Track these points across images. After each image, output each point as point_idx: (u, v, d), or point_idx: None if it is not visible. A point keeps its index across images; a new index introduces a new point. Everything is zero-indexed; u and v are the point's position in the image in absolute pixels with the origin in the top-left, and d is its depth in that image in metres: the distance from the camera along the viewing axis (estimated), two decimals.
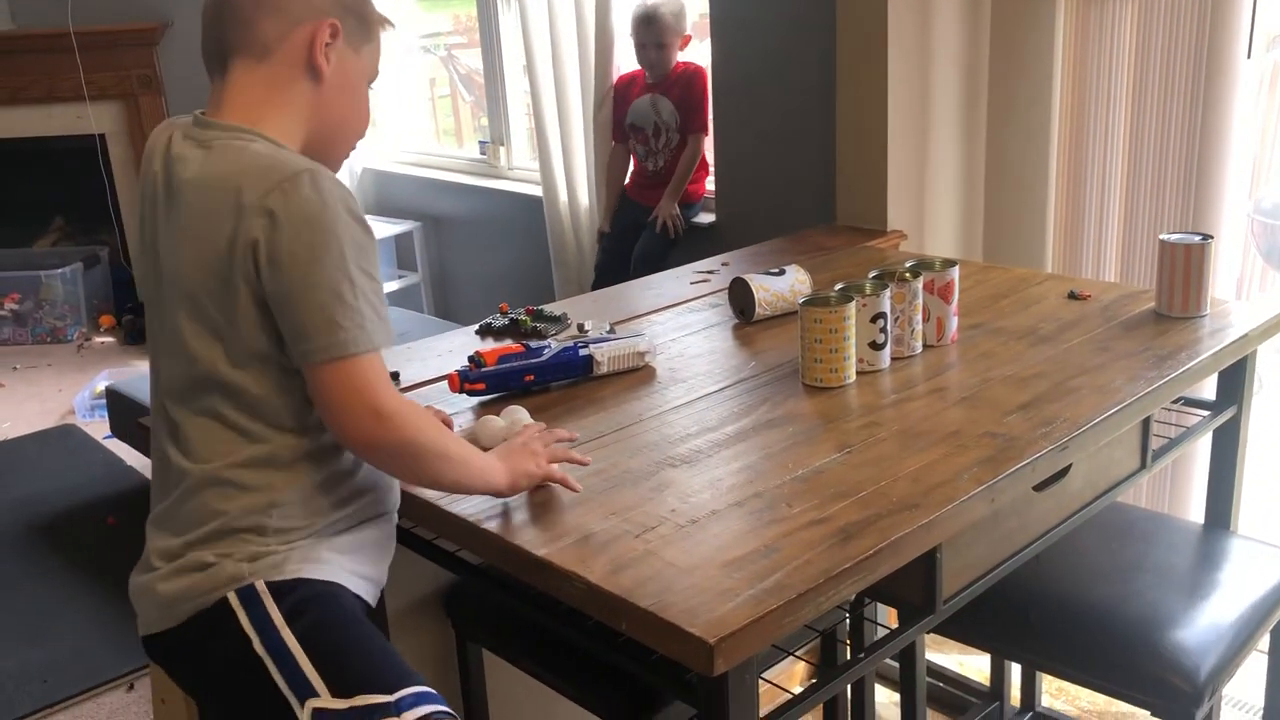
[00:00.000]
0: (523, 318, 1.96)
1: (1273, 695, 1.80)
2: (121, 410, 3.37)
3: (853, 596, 1.22)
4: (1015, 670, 2.23)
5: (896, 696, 2.33)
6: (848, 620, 1.80)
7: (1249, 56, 2.16)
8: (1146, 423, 1.63)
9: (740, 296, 1.93)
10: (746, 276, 1.91)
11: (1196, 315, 1.79)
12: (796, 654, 1.43)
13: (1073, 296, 1.94)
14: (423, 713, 1.12)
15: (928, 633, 1.45)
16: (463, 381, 1.59)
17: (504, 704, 1.79)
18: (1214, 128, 2.21)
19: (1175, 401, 1.81)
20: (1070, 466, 1.49)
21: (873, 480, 1.32)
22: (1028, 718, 2.22)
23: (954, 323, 1.76)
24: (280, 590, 1.19)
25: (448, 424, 1.51)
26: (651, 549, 1.20)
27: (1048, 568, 1.69)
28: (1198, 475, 2.32)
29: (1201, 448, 2.15)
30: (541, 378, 1.64)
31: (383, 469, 1.27)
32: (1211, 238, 1.79)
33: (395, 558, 1.54)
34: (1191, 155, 2.25)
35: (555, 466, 1.32)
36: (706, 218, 3.39)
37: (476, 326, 1.98)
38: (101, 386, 4.17)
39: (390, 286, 4.58)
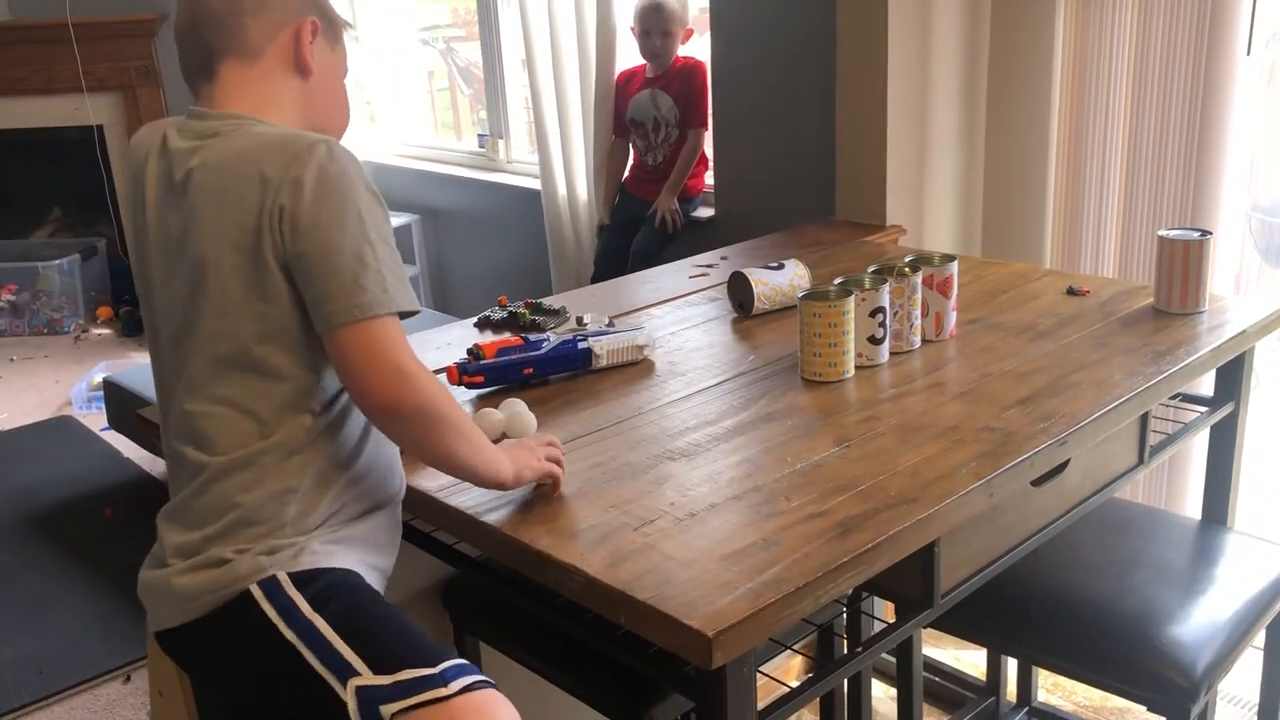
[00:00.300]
0: (521, 311, 1.96)
1: (1268, 690, 1.81)
2: (119, 402, 3.37)
3: (850, 590, 1.22)
4: (1012, 665, 2.23)
5: (893, 691, 2.34)
6: (845, 614, 1.81)
7: (1248, 53, 2.16)
8: (1144, 418, 1.63)
9: (739, 290, 1.93)
10: (745, 270, 1.91)
11: (1195, 311, 1.80)
12: (794, 648, 1.43)
13: (1071, 292, 1.95)
14: (468, 681, 1.12)
15: (925, 627, 1.45)
16: (461, 374, 1.60)
17: None
18: (1213, 124, 2.21)
19: (1173, 397, 1.81)
20: (1068, 461, 1.49)
21: (871, 474, 1.33)
22: (1024, 713, 2.22)
23: (953, 318, 1.76)
24: (301, 580, 1.20)
25: None
26: (650, 542, 1.20)
27: (1045, 563, 1.69)
28: (1195, 471, 2.33)
29: (1198, 444, 2.15)
30: (540, 371, 1.64)
31: (399, 438, 1.26)
32: (1210, 234, 1.79)
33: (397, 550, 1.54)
34: (1190, 151, 2.25)
35: (553, 464, 1.33)
36: (706, 212, 3.39)
37: (475, 319, 1.98)
38: (99, 378, 4.17)
39: None
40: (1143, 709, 1.58)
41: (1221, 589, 1.65)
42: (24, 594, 2.91)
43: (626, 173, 3.60)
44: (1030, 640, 1.65)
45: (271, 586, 1.19)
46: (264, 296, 1.20)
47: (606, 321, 1.88)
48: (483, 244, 4.36)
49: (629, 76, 3.52)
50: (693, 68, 3.38)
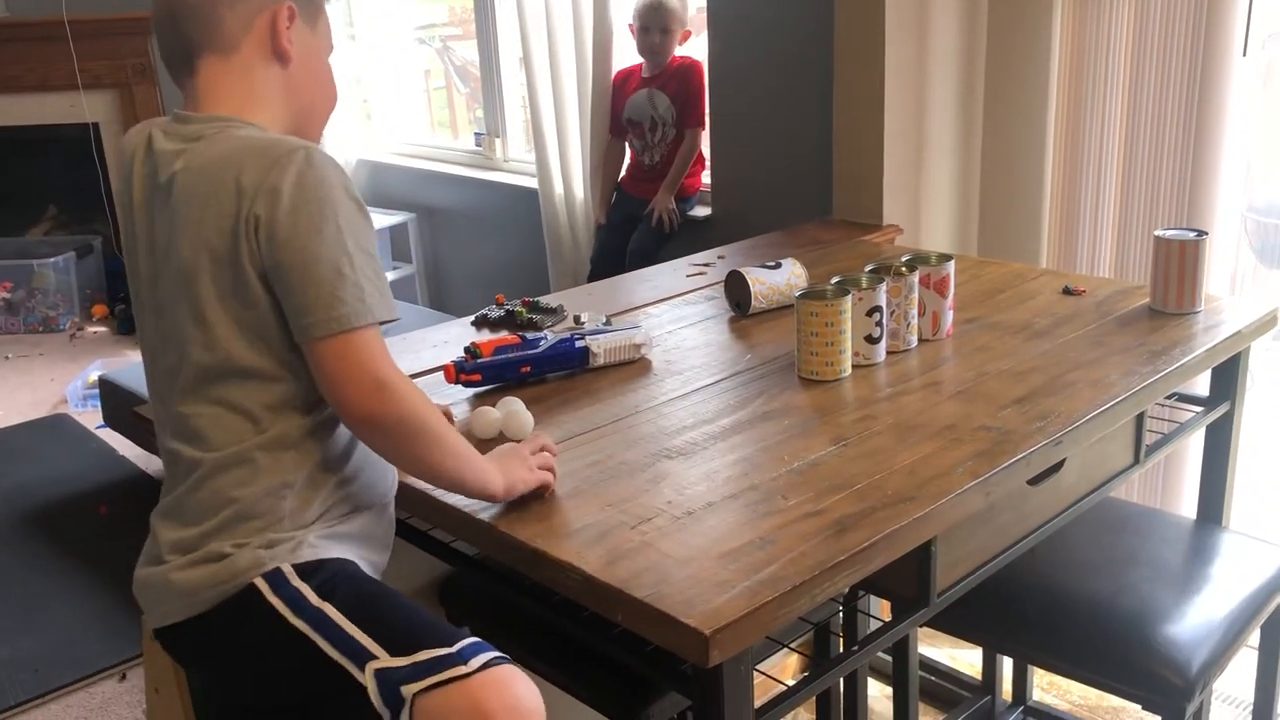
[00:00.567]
0: (519, 309, 1.96)
1: (1262, 690, 1.81)
2: (114, 400, 3.36)
3: (847, 589, 1.22)
4: (1007, 664, 2.24)
5: (889, 690, 2.34)
6: (841, 613, 1.81)
7: (1244, 54, 2.17)
8: (1140, 418, 1.63)
9: (736, 289, 1.93)
10: (743, 269, 1.91)
11: (1191, 311, 1.80)
12: (791, 646, 1.43)
13: (1068, 292, 1.95)
14: (487, 658, 1.12)
15: (921, 626, 1.45)
16: (459, 373, 1.60)
17: None
18: (1209, 124, 2.21)
19: (1169, 397, 1.82)
20: (1064, 461, 1.50)
21: (868, 473, 1.33)
22: (1019, 711, 2.23)
23: (949, 317, 1.76)
24: (305, 571, 1.20)
25: (447, 415, 1.51)
26: (647, 540, 1.20)
27: (1041, 562, 1.69)
28: (1190, 470, 2.33)
29: (1194, 443, 2.16)
30: (537, 369, 1.64)
31: (381, 450, 1.26)
32: (1206, 234, 1.80)
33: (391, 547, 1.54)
34: (1186, 152, 2.25)
35: (546, 473, 1.32)
36: (702, 211, 3.39)
37: (472, 318, 1.98)
38: (94, 376, 4.16)
39: (385, 277, 4.57)
40: (1138, 708, 1.58)
41: (1216, 588, 1.66)
42: (19, 592, 2.91)
43: (623, 172, 3.60)
44: (1026, 639, 1.65)
45: (276, 578, 1.19)
46: (245, 303, 1.19)
47: (604, 320, 1.88)
48: (480, 242, 4.36)
49: (625, 76, 3.52)
50: (690, 67, 3.38)
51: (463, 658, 1.12)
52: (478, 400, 1.59)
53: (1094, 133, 2.36)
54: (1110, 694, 1.61)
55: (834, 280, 1.66)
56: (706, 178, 3.40)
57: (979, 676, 2.29)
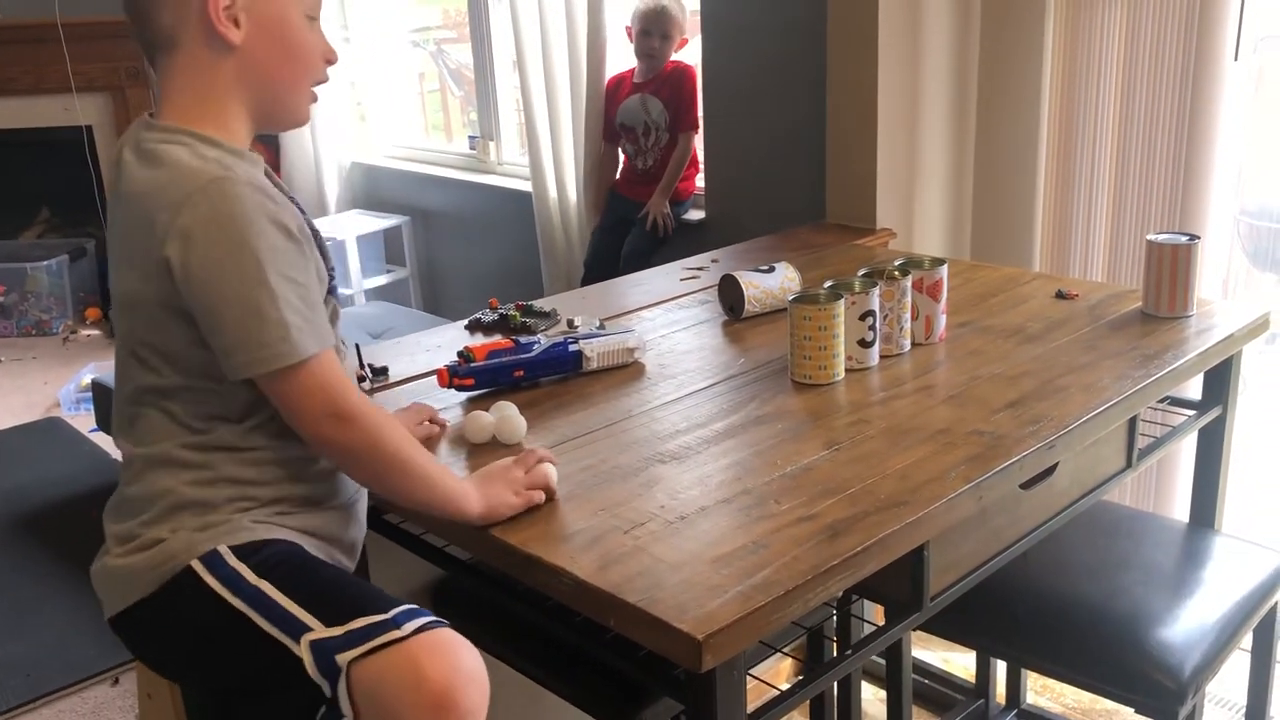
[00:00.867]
0: (512, 313, 1.96)
1: (1255, 693, 1.82)
2: (107, 403, 3.35)
3: (840, 593, 1.22)
4: (1001, 667, 2.24)
5: (882, 693, 2.34)
6: (835, 617, 1.81)
7: (1236, 58, 2.18)
8: (1133, 422, 1.63)
9: (730, 293, 1.93)
10: (736, 273, 1.91)
11: (1183, 315, 1.80)
12: (784, 650, 1.43)
13: (1060, 296, 1.95)
14: (422, 622, 1.11)
15: (914, 630, 1.45)
16: (452, 377, 1.59)
17: (491, 699, 1.79)
18: (1201, 129, 2.22)
19: (1161, 401, 1.82)
20: (1057, 465, 1.50)
21: (860, 477, 1.33)
22: (1012, 715, 2.23)
23: (942, 321, 1.77)
24: (244, 552, 1.19)
25: (438, 423, 1.51)
26: (640, 545, 1.20)
27: (1034, 565, 1.70)
28: (1182, 474, 2.34)
29: (1186, 447, 2.16)
30: (531, 373, 1.64)
31: (348, 474, 1.27)
32: (1198, 238, 1.80)
33: (383, 553, 1.54)
34: (1179, 156, 2.26)
35: (535, 492, 1.28)
36: (696, 214, 3.39)
37: (466, 322, 1.98)
38: (87, 379, 4.15)
39: (379, 281, 4.58)
40: (1131, 711, 1.58)
41: (1209, 592, 1.66)
42: (12, 596, 2.90)
43: (617, 175, 3.60)
44: (1019, 643, 1.65)
45: (213, 560, 1.18)
46: (168, 336, 1.19)
47: (597, 324, 1.88)
48: (473, 246, 4.35)
49: (617, 82, 3.52)
50: (682, 71, 3.38)
51: (396, 623, 1.10)
52: (471, 404, 1.59)
53: (1086, 137, 2.37)
54: (1104, 697, 1.61)
55: (827, 284, 1.66)
56: (700, 181, 3.40)
57: (973, 680, 2.29)
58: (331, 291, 1.30)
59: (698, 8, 3.00)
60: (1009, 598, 1.66)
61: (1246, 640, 1.71)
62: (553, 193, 3.73)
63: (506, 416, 1.47)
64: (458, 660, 1.10)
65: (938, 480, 1.32)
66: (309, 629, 1.12)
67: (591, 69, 3.50)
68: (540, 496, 1.29)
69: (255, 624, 1.14)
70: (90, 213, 5.26)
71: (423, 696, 1.07)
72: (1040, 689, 2.35)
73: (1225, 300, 2.28)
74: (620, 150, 3.56)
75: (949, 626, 1.70)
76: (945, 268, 1.75)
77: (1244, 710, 1.86)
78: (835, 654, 1.78)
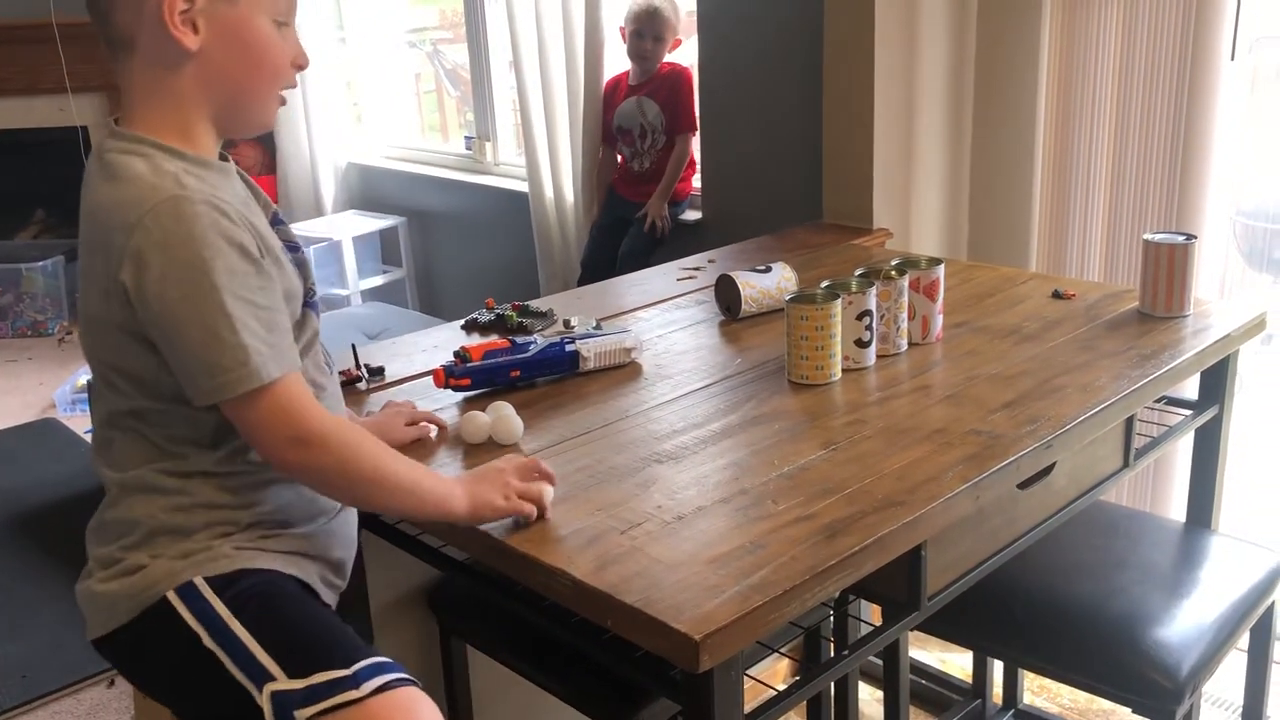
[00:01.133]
0: (508, 313, 1.95)
1: (1252, 693, 1.82)
2: None
3: (837, 593, 1.22)
4: (997, 667, 2.24)
5: (879, 693, 2.34)
6: (832, 617, 1.81)
7: (1233, 58, 2.18)
8: (1130, 421, 1.63)
9: (726, 293, 1.93)
10: (733, 273, 1.91)
11: (1180, 315, 1.80)
12: (781, 651, 1.43)
13: (1057, 295, 1.95)
14: (381, 681, 1.10)
15: (911, 630, 1.45)
16: (448, 377, 1.59)
17: (488, 700, 1.79)
18: (1197, 128, 2.22)
19: (1158, 400, 1.82)
20: (1054, 465, 1.50)
21: (858, 477, 1.33)
22: (1009, 715, 2.23)
23: (939, 321, 1.76)
24: (220, 584, 1.18)
25: (436, 423, 1.50)
26: (637, 545, 1.20)
27: (1031, 565, 1.69)
28: (1179, 474, 2.34)
29: (1183, 446, 2.16)
30: (527, 373, 1.64)
31: (321, 494, 1.25)
32: (1195, 238, 1.80)
33: (379, 554, 1.54)
34: (1175, 155, 2.26)
35: (526, 504, 1.24)
36: (693, 215, 3.39)
37: (462, 322, 1.98)
38: (83, 380, 4.14)
39: (375, 282, 4.57)
40: (1128, 711, 1.58)
41: (1206, 591, 1.66)
42: (7, 598, 2.89)
43: (614, 174, 3.60)
44: (1016, 643, 1.65)
45: (189, 592, 1.17)
46: (131, 357, 1.16)
47: (594, 324, 1.88)
48: (470, 246, 4.35)
49: (614, 84, 3.52)
50: (678, 74, 3.38)
51: (356, 681, 1.09)
52: (467, 404, 1.59)
53: (1083, 136, 2.37)
54: (1101, 697, 1.61)
55: (824, 284, 1.66)
56: (697, 181, 3.40)
57: (969, 680, 2.29)
58: (311, 306, 1.27)
59: (694, 8, 3.00)
60: (1006, 598, 1.66)
61: (1243, 640, 1.71)
62: (549, 193, 3.73)
63: (503, 417, 1.46)
64: None
65: (935, 480, 1.31)
66: (272, 678, 1.11)
67: (589, 70, 3.50)
68: (530, 510, 1.24)
69: (223, 664, 1.13)
70: None
71: None
72: (1037, 689, 2.35)
73: (1222, 300, 2.28)
74: (617, 152, 3.56)
75: (946, 626, 1.70)
76: (942, 268, 1.75)
77: (1240, 710, 1.86)
78: (832, 654, 1.78)
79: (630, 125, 3.45)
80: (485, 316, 1.96)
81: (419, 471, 1.23)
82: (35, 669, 2.57)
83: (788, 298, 1.62)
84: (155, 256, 1.09)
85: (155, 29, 1.15)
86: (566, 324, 1.90)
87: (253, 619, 1.15)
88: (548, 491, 1.27)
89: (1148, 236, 1.82)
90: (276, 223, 1.27)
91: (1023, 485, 1.46)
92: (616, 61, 3.54)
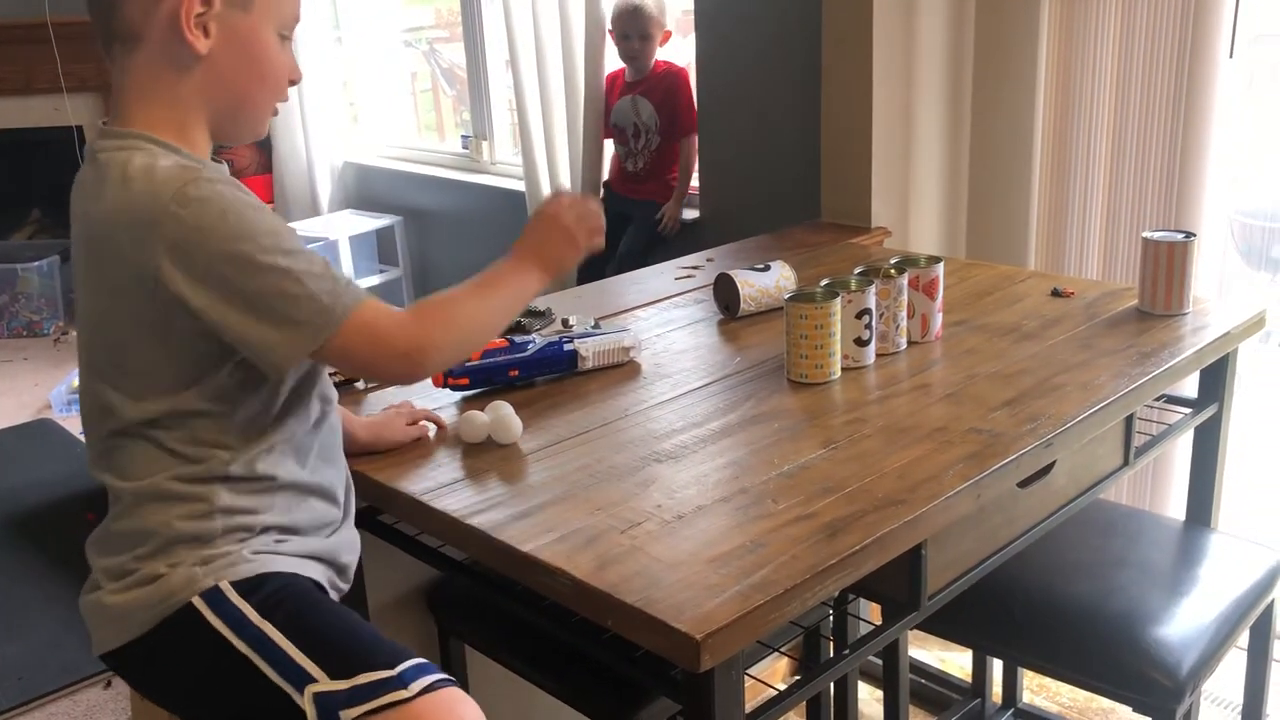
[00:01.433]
0: None
1: (1251, 691, 1.82)
2: None
3: (837, 592, 1.22)
4: (997, 666, 2.24)
5: (879, 693, 2.34)
6: (832, 617, 1.81)
7: (1231, 55, 2.17)
8: (1129, 420, 1.63)
9: (725, 292, 1.92)
10: (731, 272, 1.91)
11: (1179, 313, 1.80)
12: (781, 650, 1.42)
13: (1056, 294, 1.95)
14: (429, 681, 1.10)
15: (911, 629, 1.45)
16: (446, 376, 1.59)
17: (487, 700, 1.77)
18: (1196, 126, 2.22)
19: (1157, 399, 1.82)
20: (1054, 463, 1.50)
21: (858, 476, 1.32)
22: (1009, 714, 2.23)
23: (938, 319, 1.76)
24: (246, 588, 1.16)
25: (436, 422, 1.50)
26: (637, 545, 1.19)
27: (1030, 564, 1.69)
28: (1178, 472, 2.34)
29: (1182, 445, 2.16)
30: (526, 373, 1.64)
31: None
32: (1194, 236, 1.80)
33: (378, 553, 1.53)
34: (1174, 153, 2.26)
35: (595, 238, 1.33)
36: (691, 213, 3.39)
37: None
38: (78, 381, 4.13)
39: (371, 281, 4.57)
40: (1128, 710, 1.58)
41: (1206, 590, 1.66)
42: (4, 599, 2.88)
43: (609, 173, 3.60)
44: (1016, 642, 1.65)
45: (215, 597, 1.15)
46: (161, 352, 1.14)
47: (592, 323, 1.88)
48: (466, 245, 4.35)
49: (611, 81, 3.52)
50: (675, 74, 3.38)
51: (403, 681, 1.09)
52: (466, 404, 1.58)
53: (1081, 134, 2.37)
54: (1100, 696, 1.61)
55: (823, 283, 1.65)
56: (695, 180, 3.40)
57: (969, 679, 2.29)
58: None
59: (690, 6, 3.00)
60: (1005, 597, 1.66)
61: (1243, 638, 1.71)
62: (546, 192, 3.72)
63: (501, 416, 1.46)
64: None
65: (935, 479, 1.31)
66: (313, 679, 1.10)
67: (589, 66, 3.49)
68: (600, 243, 1.34)
69: (257, 668, 1.12)
70: None
71: None
72: (1037, 688, 2.35)
73: (1220, 298, 2.28)
74: (612, 148, 3.56)
75: (946, 625, 1.69)
76: (941, 266, 1.74)
77: (1240, 708, 1.86)
78: (832, 653, 1.78)
79: (624, 124, 3.44)
80: None
81: (499, 288, 1.27)
82: (32, 670, 2.57)
83: (787, 296, 1.62)
84: (195, 242, 1.09)
85: (167, 29, 1.15)
86: (565, 323, 1.90)
87: (285, 622, 1.14)
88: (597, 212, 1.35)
89: (1147, 234, 1.82)
90: None
91: (1023, 484, 1.46)
92: (615, 58, 3.53)
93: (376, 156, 4.83)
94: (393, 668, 1.10)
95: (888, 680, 1.78)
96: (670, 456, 1.40)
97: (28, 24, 4.86)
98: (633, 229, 3.41)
